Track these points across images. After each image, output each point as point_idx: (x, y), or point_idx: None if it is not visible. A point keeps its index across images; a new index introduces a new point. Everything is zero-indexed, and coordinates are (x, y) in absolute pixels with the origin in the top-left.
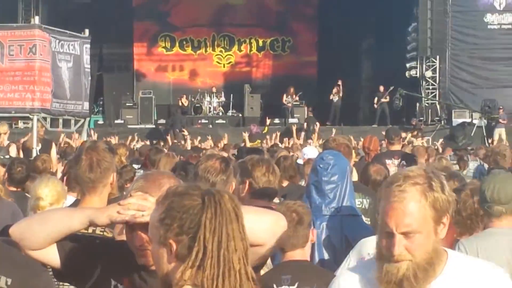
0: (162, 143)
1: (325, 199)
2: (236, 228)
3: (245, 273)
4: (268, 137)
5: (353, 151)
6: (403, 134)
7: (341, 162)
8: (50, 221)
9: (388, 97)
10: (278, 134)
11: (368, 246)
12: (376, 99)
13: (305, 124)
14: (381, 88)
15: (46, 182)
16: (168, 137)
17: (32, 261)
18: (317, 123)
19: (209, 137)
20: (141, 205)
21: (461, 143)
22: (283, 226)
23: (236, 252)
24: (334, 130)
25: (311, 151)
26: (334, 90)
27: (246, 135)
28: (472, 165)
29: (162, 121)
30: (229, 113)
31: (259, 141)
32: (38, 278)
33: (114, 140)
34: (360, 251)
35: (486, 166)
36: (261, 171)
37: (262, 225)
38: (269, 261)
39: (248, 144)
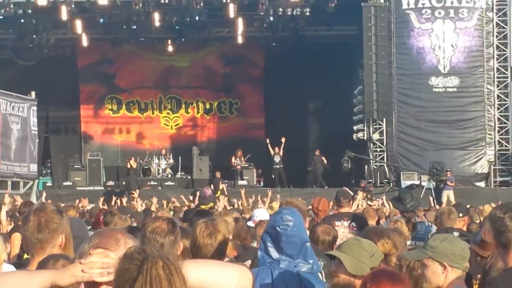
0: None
1: (283, 255)
2: None
3: None
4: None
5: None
6: (360, 194)
7: (299, 221)
8: (8, 284)
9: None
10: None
11: None
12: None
13: (212, 185)
14: (317, 152)
15: None
16: (124, 199)
17: None
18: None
19: (154, 199)
20: (105, 263)
21: (408, 205)
22: (249, 279)
23: None
24: (278, 196)
25: (262, 213)
26: (276, 150)
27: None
28: (420, 226)
29: (111, 182)
30: (178, 175)
31: (212, 204)
32: None
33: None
34: None
35: (434, 227)
36: (201, 231)
37: (228, 278)
38: None
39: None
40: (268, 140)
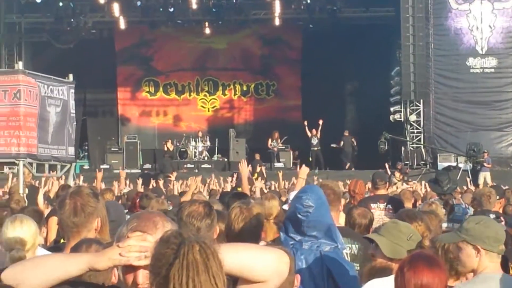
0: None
1: (305, 237)
2: (205, 280)
3: None
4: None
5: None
6: (397, 175)
7: (320, 204)
8: (46, 267)
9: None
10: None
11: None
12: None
13: (250, 166)
14: (346, 133)
15: (20, 226)
16: (160, 182)
17: None
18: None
19: (188, 180)
20: (143, 246)
21: (446, 188)
22: (286, 263)
23: None
24: (315, 177)
25: None
26: (313, 132)
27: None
28: (457, 209)
29: (147, 165)
30: (215, 157)
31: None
32: None
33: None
34: None
35: (471, 209)
36: (236, 216)
37: (265, 262)
38: None
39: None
40: (305, 123)
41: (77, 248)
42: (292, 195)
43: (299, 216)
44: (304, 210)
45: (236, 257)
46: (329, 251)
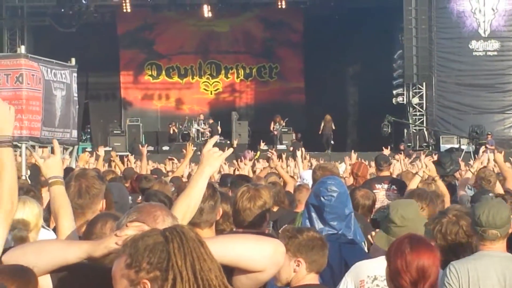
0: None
1: (326, 226)
2: (204, 252)
3: (224, 286)
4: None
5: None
6: (397, 157)
7: (343, 191)
8: (45, 252)
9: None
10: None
11: (364, 269)
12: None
13: (291, 148)
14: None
15: (22, 208)
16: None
17: None
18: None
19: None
20: None
21: (448, 169)
22: (283, 252)
23: (211, 270)
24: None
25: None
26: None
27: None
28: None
29: (150, 148)
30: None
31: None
32: None
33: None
34: (358, 274)
35: (473, 190)
36: (242, 194)
37: (263, 252)
38: None
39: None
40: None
41: (92, 224)
42: (304, 175)
43: (322, 199)
44: (328, 194)
45: (233, 247)
46: (347, 242)
